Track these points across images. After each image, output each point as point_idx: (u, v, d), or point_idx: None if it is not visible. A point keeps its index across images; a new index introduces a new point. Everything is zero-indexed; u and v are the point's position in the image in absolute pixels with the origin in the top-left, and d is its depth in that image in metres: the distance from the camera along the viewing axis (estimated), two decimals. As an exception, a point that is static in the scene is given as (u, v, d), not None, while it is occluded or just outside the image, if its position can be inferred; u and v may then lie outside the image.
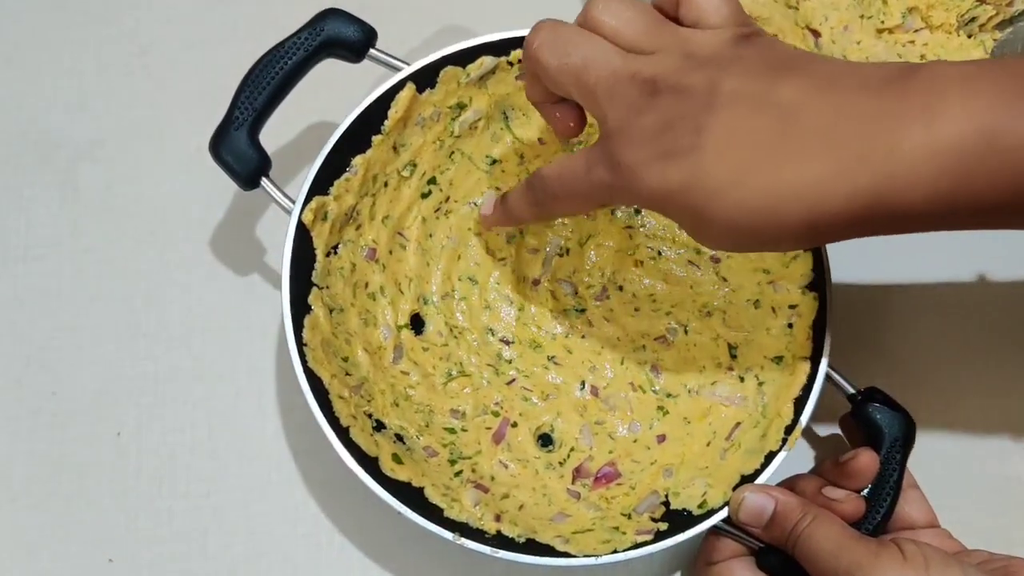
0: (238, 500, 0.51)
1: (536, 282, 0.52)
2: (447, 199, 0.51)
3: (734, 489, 0.43)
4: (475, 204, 0.51)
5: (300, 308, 0.45)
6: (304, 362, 0.44)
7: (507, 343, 0.50)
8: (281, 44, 0.46)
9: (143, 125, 0.58)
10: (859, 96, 0.33)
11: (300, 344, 0.44)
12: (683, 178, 0.35)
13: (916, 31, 0.55)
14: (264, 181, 0.46)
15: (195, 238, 0.55)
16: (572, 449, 0.48)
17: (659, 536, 0.42)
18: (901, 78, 0.33)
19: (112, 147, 0.57)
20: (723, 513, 0.43)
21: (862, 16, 0.55)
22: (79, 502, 0.51)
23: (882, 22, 0.54)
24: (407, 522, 0.49)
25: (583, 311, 0.51)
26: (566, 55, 0.38)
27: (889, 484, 0.43)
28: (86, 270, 0.55)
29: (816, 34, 0.54)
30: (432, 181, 0.51)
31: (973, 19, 0.53)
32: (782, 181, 0.33)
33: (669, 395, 0.49)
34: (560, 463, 0.47)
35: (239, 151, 0.45)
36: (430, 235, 0.51)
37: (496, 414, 0.48)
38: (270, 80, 0.46)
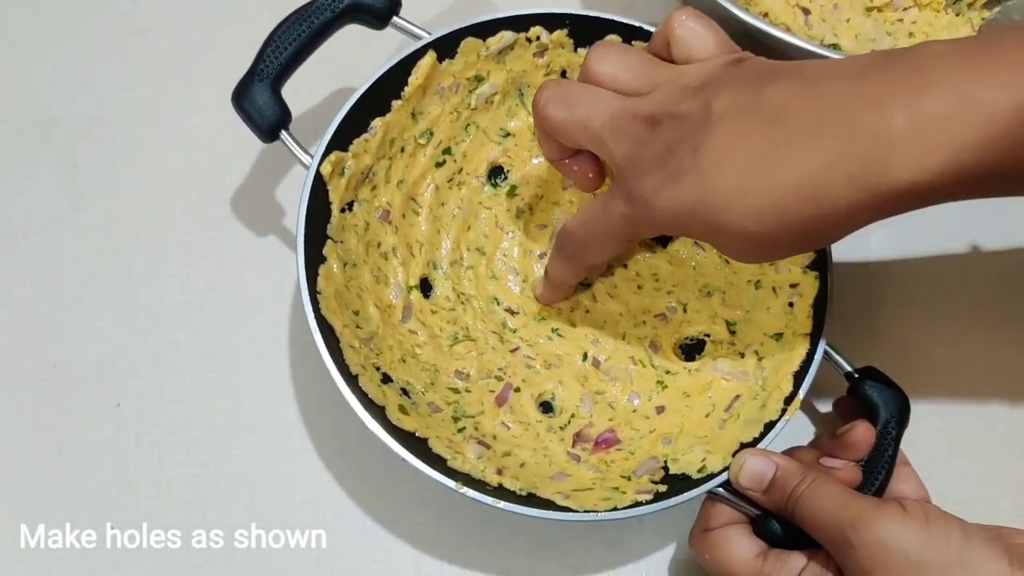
0: (237, 470, 0.51)
1: (543, 256, 0.52)
2: (460, 170, 0.52)
3: (733, 455, 0.44)
4: (483, 179, 0.53)
5: (315, 259, 0.45)
6: (317, 309, 0.44)
7: (512, 313, 0.51)
8: (309, 4, 0.47)
9: (142, 103, 0.59)
10: (842, 84, 0.34)
11: (314, 292, 0.44)
12: (692, 197, 0.36)
13: (905, 9, 0.56)
14: (283, 134, 0.47)
15: (193, 213, 0.56)
16: (573, 416, 0.48)
17: (659, 497, 0.43)
18: (884, 63, 0.34)
19: (111, 125, 0.58)
20: (723, 477, 0.43)
21: None
22: (80, 472, 0.51)
23: (871, 0, 0.56)
24: (409, 488, 0.50)
25: (588, 286, 0.52)
26: (571, 107, 0.41)
27: (884, 458, 0.44)
28: (86, 246, 0.55)
29: (806, 12, 0.55)
30: (447, 151, 0.52)
31: None
32: (781, 180, 0.34)
33: (668, 371, 0.50)
34: (561, 428, 0.48)
35: (261, 102, 0.46)
36: (442, 204, 0.52)
37: (499, 379, 0.49)
38: (296, 37, 0.47)
